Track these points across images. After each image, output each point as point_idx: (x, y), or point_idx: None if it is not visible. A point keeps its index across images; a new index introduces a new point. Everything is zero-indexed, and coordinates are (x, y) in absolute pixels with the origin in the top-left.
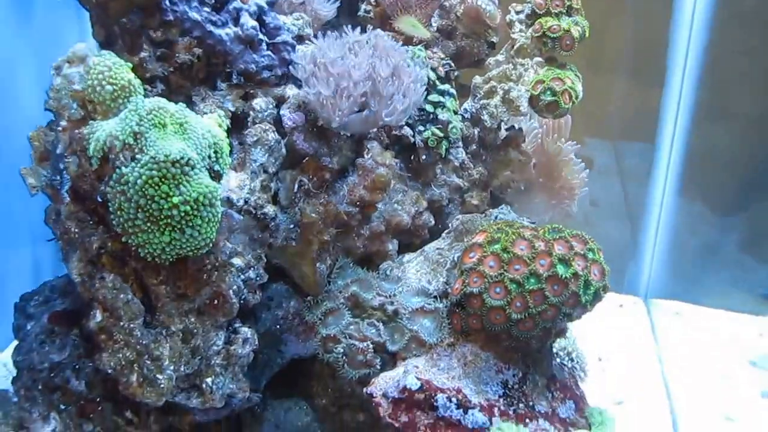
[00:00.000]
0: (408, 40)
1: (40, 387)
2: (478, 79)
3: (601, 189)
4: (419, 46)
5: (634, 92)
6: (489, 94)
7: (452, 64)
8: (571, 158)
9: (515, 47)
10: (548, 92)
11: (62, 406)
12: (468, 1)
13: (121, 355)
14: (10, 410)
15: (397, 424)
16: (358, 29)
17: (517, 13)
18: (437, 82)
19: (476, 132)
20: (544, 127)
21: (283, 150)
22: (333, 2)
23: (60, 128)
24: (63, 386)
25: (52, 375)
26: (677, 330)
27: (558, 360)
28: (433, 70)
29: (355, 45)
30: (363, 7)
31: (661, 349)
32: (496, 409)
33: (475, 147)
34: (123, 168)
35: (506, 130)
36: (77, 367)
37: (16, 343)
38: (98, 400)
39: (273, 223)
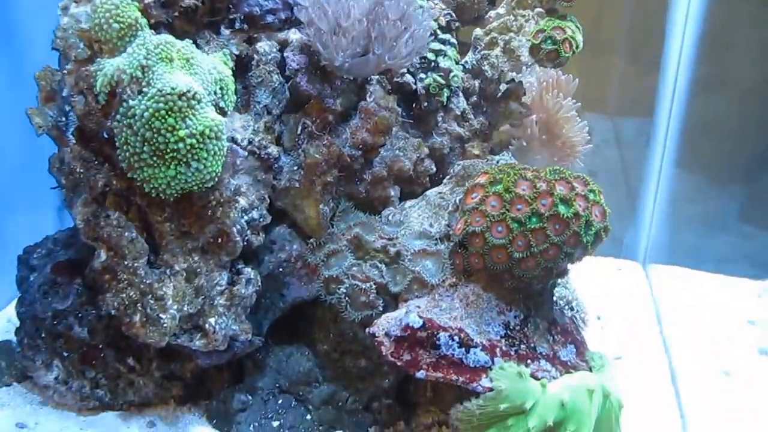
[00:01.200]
0: None
1: (43, 335)
2: (479, 32)
3: (601, 161)
4: None
5: (633, 68)
6: (490, 45)
7: (453, 15)
8: (572, 115)
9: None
10: (549, 41)
11: (65, 354)
12: None
13: (124, 295)
14: (13, 360)
15: (399, 363)
16: None
17: None
18: (438, 32)
19: (477, 84)
20: (543, 83)
21: (287, 93)
22: None
23: (66, 70)
24: (66, 333)
25: (55, 323)
26: (676, 292)
27: (558, 308)
28: (435, 20)
29: None
30: None
31: (660, 309)
32: (497, 350)
33: (476, 98)
34: (130, 101)
35: (506, 83)
36: (80, 315)
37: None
38: (100, 347)
39: (277, 164)
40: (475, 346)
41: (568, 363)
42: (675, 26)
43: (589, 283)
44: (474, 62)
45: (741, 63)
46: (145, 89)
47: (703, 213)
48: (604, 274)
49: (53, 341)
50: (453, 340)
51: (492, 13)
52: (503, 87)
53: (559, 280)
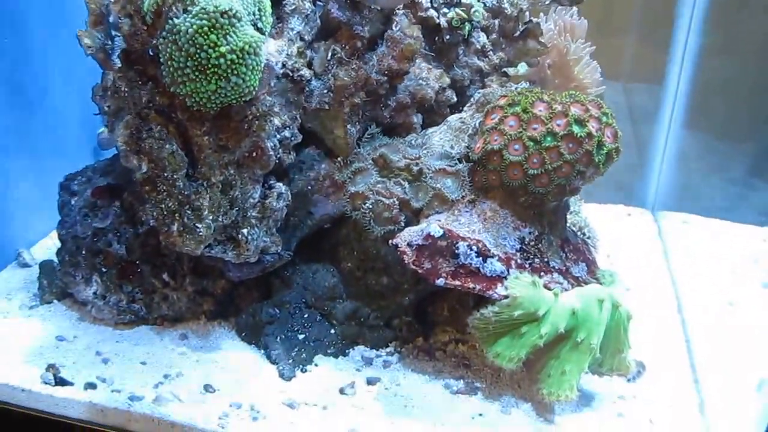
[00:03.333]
0: None
1: (83, 252)
2: None
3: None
4: None
5: (646, 35)
6: None
7: None
8: (581, 57)
9: None
10: None
11: (103, 269)
12: None
13: (163, 206)
14: (54, 280)
15: (420, 270)
16: None
17: None
18: None
19: (497, 22)
20: (557, 27)
21: (318, 20)
22: None
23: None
24: (105, 250)
25: (95, 240)
26: (683, 234)
27: (572, 233)
28: None
29: None
30: None
31: (668, 249)
32: (513, 262)
33: (495, 36)
34: (175, 19)
35: (525, 23)
36: (118, 233)
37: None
38: (137, 263)
39: (308, 87)
40: (492, 257)
41: (580, 278)
42: None
43: (600, 226)
44: (495, 1)
45: (749, 26)
46: (189, 8)
47: (711, 165)
48: (614, 218)
49: (93, 257)
50: (471, 249)
51: None
52: (522, 27)
53: (573, 208)
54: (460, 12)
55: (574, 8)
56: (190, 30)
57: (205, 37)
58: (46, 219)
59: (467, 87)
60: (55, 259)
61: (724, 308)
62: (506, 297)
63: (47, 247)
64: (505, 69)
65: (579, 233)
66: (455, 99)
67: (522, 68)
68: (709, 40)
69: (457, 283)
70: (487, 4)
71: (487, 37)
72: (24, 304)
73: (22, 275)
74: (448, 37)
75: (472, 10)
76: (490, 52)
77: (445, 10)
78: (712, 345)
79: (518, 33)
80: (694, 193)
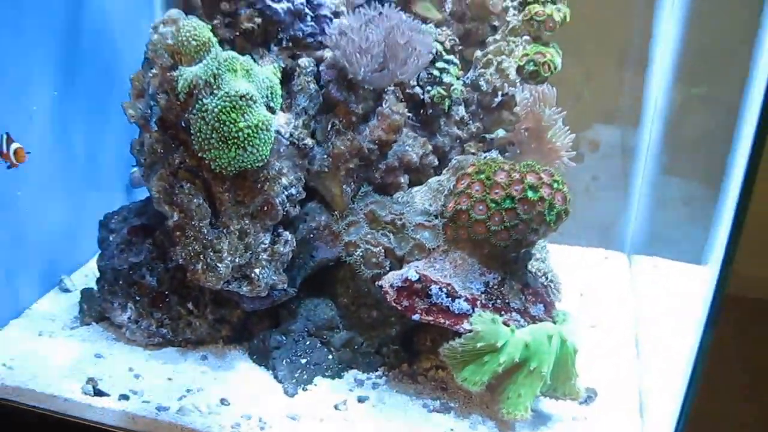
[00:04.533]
0: (423, 21)
1: (120, 282)
2: (478, 53)
3: (605, 167)
4: (430, 25)
5: (623, 81)
6: (486, 64)
7: (457, 40)
8: (553, 122)
9: (509, 28)
10: (531, 63)
11: (137, 298)
12: None
13: (190, 248)
14: (93, 304)
15: (400, 307)
16: (382, 6)
17: (512, 0)
18: (443, 53)
19: (475, 96)
20: (532, 97)
21: (321, 98)
22: None
23: (152, 74)
24: (139, 281)
25: (130, 272)
26: (652, 277)
27: (537, 278)
28: (441, 43)
29: (375, 18)
30: None
31: (636, 290)
32: (478, 302)
33: (474, 108)
34: (204, 100)
35: (502, 96)
36: (150, 267)
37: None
38: (166, 293)
39: (311, 153)
40: (460, 297)
41: (537, 317)
42: (659, 47)
43: (578, 266)
44: (473, 78)
45: (718, 86)
46: (215, 91)
47: (683, 212)
48: (593, 261)
49: (128, 287)
50: (442, 291)
51: (490, 38)
52: (499, 98)
53: (539, 255)
54: (441, 91)
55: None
56: (216, 109)
57: (227, 115)
58: (83, 248)
59: (448, 152)
60: (94, 287)
61: (674, 344)
62: (470, 331)
63: (84, 274)
64: (485, 135)
65: (543, 278)
66: (437, 162)
67: (501, 132)
68: (682, 92)
69: (430, 318)
70: (467, 81)
71: (467, 108)
72: (66, 325)
73: (64, 299)
74: (431, 111)
75: (452, 88)
76: (469, 123)
77: (429, 88)
78: (658, 376)
79: (495, 105)
80: (667, 238)
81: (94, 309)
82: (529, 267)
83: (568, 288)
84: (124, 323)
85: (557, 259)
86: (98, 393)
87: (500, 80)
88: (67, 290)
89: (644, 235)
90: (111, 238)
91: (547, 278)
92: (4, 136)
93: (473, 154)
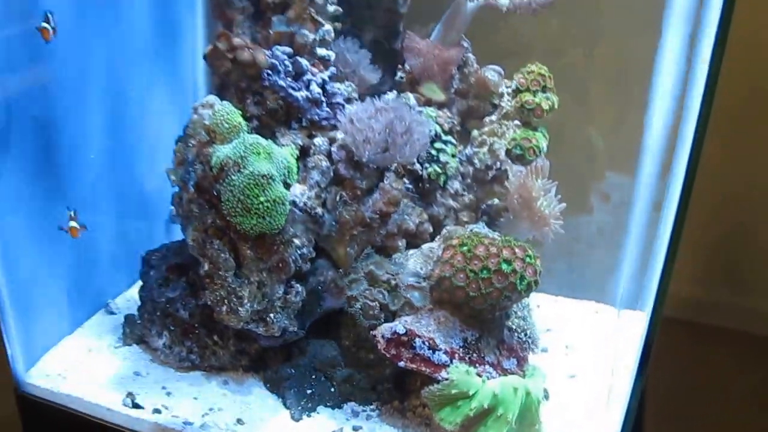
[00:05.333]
0: (428, 101)
1: (157, 313)
2: (475, 133)
3: (614, 220)
4: (432, 107)
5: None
6: (480, 144)
7: (455, 121)
8: (541, 194)
9: (503, 112)
10: (518, 147)
11: (171, 327)
12: (479, 71)
13: (217, 293)
14: (134, 328)
15: (388, 355)
16: (389, 94)
17: (507, 87)
18: (442, 134)
19: (471, 169)
20: (526, 169)
21: (331, 173)
22: (377, 71)
23: (192, 146)
24: (173, 314)
25: (167, 305)
26: (633, 330)
27: (515, 334)
28: (440, 125)
29: (380, 108)
30: (399, 74)
31: (620, 343)
32: (456, 355)
33: (469, 180)
34: (232, 176)
35: (496, 170)
36: (184, 302)
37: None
38: (196, 325)
39: (321, 219)
40: (440, 350)
41: (509, 370)
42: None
43: (570, 319)
44: (470, 154)
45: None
46: (241, 170)
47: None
48: (584, 314)
49: (164, 318)
50: (425, 344)
51: (487, 119)
52: (493, 172)
53: (521, 314)
54: (438, 168)
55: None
56: (241, 185)
57: (251, 190)
58: (127, 275)
59: (443, 220)
60: (135, 313)
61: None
62: (447, 379)
63: (127, 298)
64: (486, 204)
65: (522, 334)
66: (432, 230)
67: (496, 200)
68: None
69: (414, 366)
70: (463, 157)
71: (463, 180)
72: (110, 344)
73: (109, 321)
74: (428, 185)
75: (448, 166)
76: (463, 194)
77: (427, 165)
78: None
79: (488, 178)
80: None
81: (135, 333)
82: (511, 324)
83: (556, 340)
84: (159, 348)
85: (550, 310)
86: (135, 406)
87: (492, 159)
88: (112, 312)
89: (632, 289)
90: (151, 273)
91: (526, 335)
92: (71, 213)
93: (466, 222)
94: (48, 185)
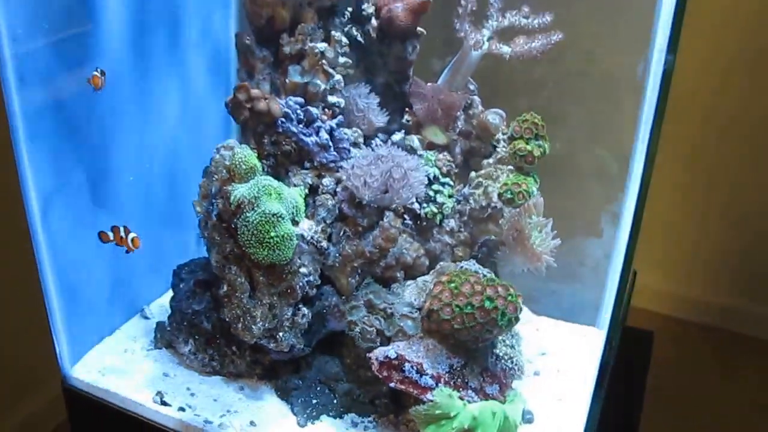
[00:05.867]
0: (431, 143)
1: (184, 323)
2: (473, 174)
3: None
4: (434, 151)
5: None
6: (477, 185)
7: (454, 165)
8: (530, 231)
9: (498, 157)
10: (509, 192)
11: (196, 336)
12: (482, 114)
13: (234, 312)
14: (164, 334)
15: (380, 376)
16: (396, 134)
17: (503, 134)
18: (440, 177)
19: (467, 208)
20: (521, 208)
21: (337, 211)
22: (384, 114)
23: (214, 181)
24: (198, 325)
25: (192, 317)
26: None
27: (501, 362)
28: (439, 168)
29: (380, 157)
30: (406, 116)
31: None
32: (441, 379)
33: (465, 218)
34: (247, 213)
35: (491, 209)
36: (207, 315)
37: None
38: (217, 336)
39: (326, 252)
40: (427, 374)
41: (491, 395)
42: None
43: (567, 343)
44: (467, 194)
45: None
46: (255, 208)
47: None
48: (582, 338)
49: (190, 327)
50: (413, 368)
51: (484, 162)
52: (489, 211)
53: (510, 342)
54: (434, 209)
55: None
56: (254, 221)
57: (263, 226)
58: (160, 282)
59: (439, 255)
60: (166, 320)
61: None
62: (432, 401)
63: (160, 304)
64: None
65: (508, 362)
66: (428, 263)
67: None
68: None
69: (402, 387)
70: (460, 197)
71: (460, 217)
72: (143, 347)
73: (143, 325)
74: (425, 222)
75: (444, 206)
76: (459, 231)
77: (425, 205)
78: None
79: (484, 216)
80: None
81: (164, 338)
82: (498, 351)
83: (549, 364)
84: (185, 353)
85: (549, 334)
86: (163, 403)
87: (486, 201)
88: (146, 317)
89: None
90: (181, 285)
91: (512, 362)
92: (122, 228)
93: (461, 257)
94: (95, 198)
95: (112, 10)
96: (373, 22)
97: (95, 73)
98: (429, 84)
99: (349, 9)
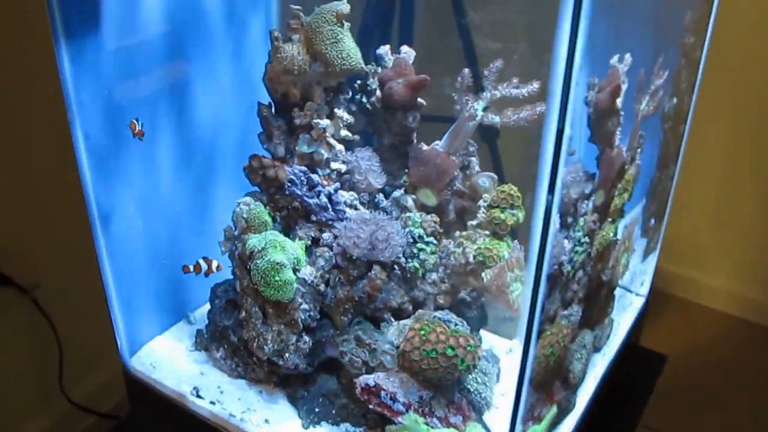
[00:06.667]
0: (422, 205)
1: (217, 333)
2: (456, 234)
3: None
4: (421, 213)
5: None
6: (458, 245)
7: (438, 226)
8: (510, 283)
9: (477, 222)
10: (481, 255)
11: (225, 346)
12: (473, 177)
13: (250, 333)
14: (202, 340)
15: (362, 399)
16: (394, 195)
17: (484, 201)
18: (424, 236)
19: (450, 263)
20: (504, 262)
21: (333, 261)
22: (382, 176)
23: (236, 230)
24: (227, 336)
25: (223, 330)
26: None
27: (469, 395)
28: (424, 229)
29: (367, 221)
30: (404, 177)
31: None
32: (411, 407)
33: (449, 271)
34: (257, 260)
35: (472, 263)
36: (234, 330)
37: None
38: (241, 348)
39: (324, 293)
40: (398, 402)
41: (453, 424)
42: None
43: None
44: (450, 250)
45: None
46: (263, 256)
47: None
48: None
49: (221, 338)
50: (387, 395)
51: (469, 223)
52: (470, 266)
53: (480, 380)
54: (417, 265)
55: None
56: (262, 267)
57: (269, 271)
58: (203, 292)
59: (422, 302)
60: (204, 328)
61: None
62: (402, 423)
63: (203, 313)
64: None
65: (477, 396)
66: (411, 309)
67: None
68: None
69: (379, 409)
70: (443, 254)
71: (445, 271)
72: (187, 348)
73: (187, 329)
74: (409, 275)
75: (426, 262)
76: (441, 283)
77: (409, 260)
78: None
79: (465, 271)
80: None
81: (202, 343)
82: (468, 386)
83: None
84: (217, 358)
85: None
86: (198, 396)
87: (464, 259)
88: (190, 323)
89: None
90: (216, 302)
91: (480, 396)
92: (203, 260)
93: (442, 305)
94: (154, 213)
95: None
96: (378, 93)
97: (133, 121)
98: (428, 148)
99: (359, 81)
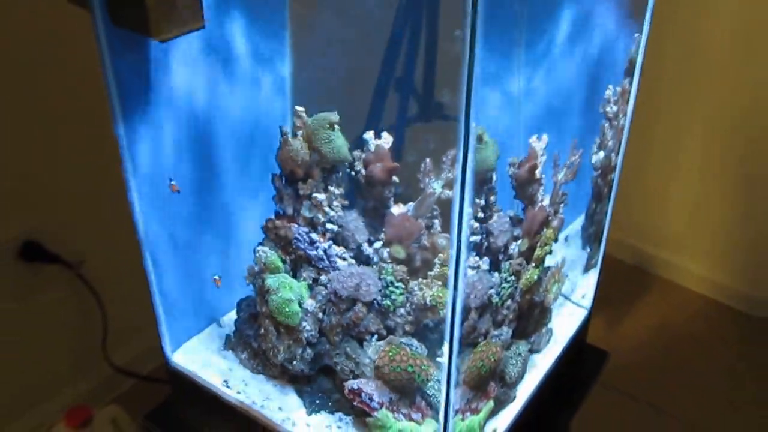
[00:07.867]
0: (395, 258)
1: (242, 339)
2: (420, 280)
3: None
4: (392, 264)
5: None
6: (420, 289)
7: (405, 274)
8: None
9: (434, 273)
10: (434, 301)
11: (248, 350)
12: (434, 236)
13: (266, 344)
14: (230, 342)
15: (349, 398)
16: (360, 265)
17: (439, 259)
18: (394, 282)
19: (414, 301)
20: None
21: (328, 297)
22: (365, 233)
23: (256, 269)
24: (249, 343)
25: (246, 337)
26: None
27: (429, 398)
28: (394, 277)
29: (352, 273)
30: (381, 234)
31: None
32: (384, 405)
33: (413, 307)
34: (271, 295)
35: (429, 303)
36: (255, 338)
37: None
38: (261, 353)
39: (321, 319)
40: (375, 401)
41: (414, 420)
42: None
43: None
44: (414, 292)
45: None
46: (276, 293)
47: None
48: None
49: (244, 343)
50: (366, 396)
51: (429, 273)
52: (428, 305)
53: (436, 388)
54: (388, 302)
55: None
56: (275, 301)
57: (280, 305)
58: (231, 299)
59: (394, 329)
60: (232, 333)
61: None
62: (377, 417)
63: (232, 318)
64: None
65: (434, 399)
66: (385, 333)
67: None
68: None
69: (360, 406)
70: (408, 296)
71: (411, 305)
72: (218, 348)
73: (218, 332)
74: (383, 309)
75: (396, 301)
76: (408, 315)
77: (384, 299)
78: None
79: (424, 308)
80: None
81: (230, 345)
82: (427, 390)
83: None
84: (242, 359)
85: None
86: (227, 387)
87: (422, 301)
88: (220, 326)
89: None
90: (241, 314)
91: (436, 399)
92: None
93: (407, 332)
94: (193, 229)
95: None
96: (363, 172)
97: (173, 183)
98: (399, 212)
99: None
